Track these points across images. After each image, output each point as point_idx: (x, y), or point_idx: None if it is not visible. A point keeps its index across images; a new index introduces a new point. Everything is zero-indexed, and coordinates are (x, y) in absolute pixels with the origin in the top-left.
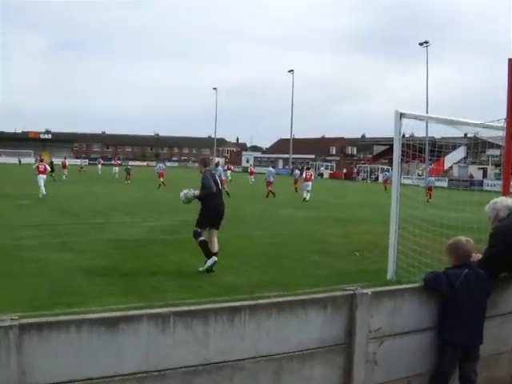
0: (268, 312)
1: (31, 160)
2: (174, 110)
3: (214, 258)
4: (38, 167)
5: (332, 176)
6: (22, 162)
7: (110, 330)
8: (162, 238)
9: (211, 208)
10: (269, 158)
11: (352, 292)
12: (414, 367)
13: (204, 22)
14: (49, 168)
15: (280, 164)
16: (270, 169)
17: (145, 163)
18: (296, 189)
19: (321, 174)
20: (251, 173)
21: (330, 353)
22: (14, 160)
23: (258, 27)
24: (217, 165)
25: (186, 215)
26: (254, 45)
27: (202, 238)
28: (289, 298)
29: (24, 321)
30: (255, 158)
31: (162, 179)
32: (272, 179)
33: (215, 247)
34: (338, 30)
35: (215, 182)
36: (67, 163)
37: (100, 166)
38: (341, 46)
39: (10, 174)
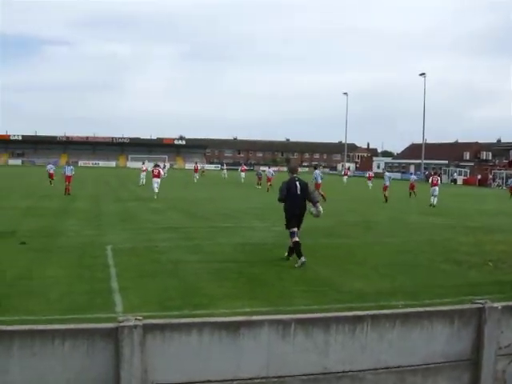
0: (391, 323)
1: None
2: (304, 115)
3: (303, 260)
4: (152, 171)
5: (465, 182)
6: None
7: (231, 335)
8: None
9: (287, 209)
10: (400, 163)
11: (481, 305)
12: None
13: (328, 23)
14: (162, 172)
15: (412, 169)
16: (388, 173)
17: (276, 168)
18: (411, 194)
19: (454, 180)
20: (369, 178)
21: (456, 369)
22: (149, 165)
23: (389, 27)
24: (315, 168)
25: (314, 221)
26: (385, 47)
27: (295, 239)
28: (413, 309)
29: (148, 321)
30: (386, 163)
31: (269, 183)
32: (388, 184)
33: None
34: (473, 31)
35: (290, 187)
36: (198, 167)
37: (225, 170)
38: (475, 47)
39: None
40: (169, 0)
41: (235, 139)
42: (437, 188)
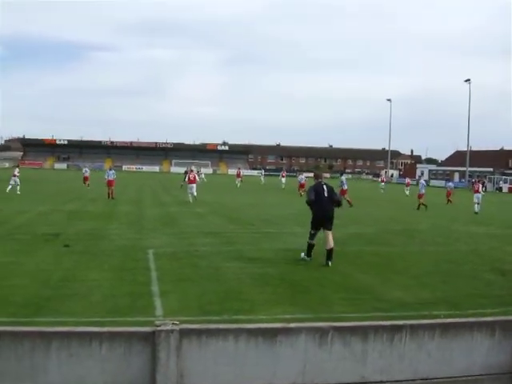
0: (430, 333)
1: (209, 170)
2: (346, 121)
3: (307, 259)
4: (188, 177)
5: (511, 190)
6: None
7: (268, 341)
8: None
9: (314, 213)
10: (444, 170)
11: None
12: None
13: (370, 28)
14: (198, 178)
15: (456, 177)
16: (422, 181)
17: (307, 174)
18: (448, 201)
19: (499, 188)
20: (407, 184)
21: (496, 381)
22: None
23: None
24: (341, 174)
25: (357, 227)
26: (427, 51)
27: (311, 241)
28: (453, 320)
29: (184, 326)
30: (430, 170)
31: (302, 189)
32: (423, 191)
33: (328, 244)
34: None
35: (318, 190)
36: (241, 173)
37: (263, 176)
38: None
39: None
40: (210, 7)
41: (278, 145)
42: (479, 195)
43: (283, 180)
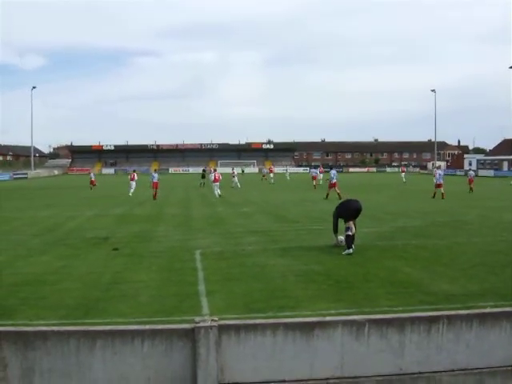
0: (468, 323)
1: (255, 170)
2: (391, 115)
3: (350, 251)
4: (214, 177)
5: None
6: (246, 171)
7: (305, 336)
8: (378, 244)
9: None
10: (492, 160)
11: None
12: None
13: (412, 20)
14: (220, 177)
15: (505, 166)
16: (438, 171)
17: (365, 169)
18: (470, 189)
19: None
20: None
21: None
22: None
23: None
24: (331, 168)
25: (404, 221)
26: (471, 40)
27: (349, 232)
28: (491, 310)
29: (223, 322)
30: (478, 160)
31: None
32: (441, 181)
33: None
34: None
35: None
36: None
37: (288, 173)
38: None
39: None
40: (249, 8)
41: (323, 141)
42: None
43: (321, 176)
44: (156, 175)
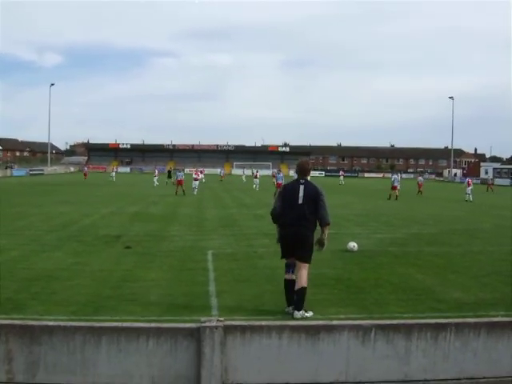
0: (476, 331)
1: (268, 172)
2: (408, 121)
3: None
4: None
5: None
6: (260, 173)
7: (311, 339)
8: (390, 250)
9: (278, 228)
10: (509, 169)
11: None
12: None
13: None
14: (200, 176)
15: None
16: (395, 176)
17: (380, 174)
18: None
19: None
20: (469, 184)
21: None
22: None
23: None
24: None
25: (419, 228)
26: (489, 48)
27: (286, 276)
28: (499, 319)
29: (228, 323)
30: (494, 168)
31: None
32: (396, 184)
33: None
34: None
35: (287, 195)
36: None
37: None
38: None
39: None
40: (265, 11)
41: (339, 145)
42: None
43: (341, 178)
44: (181, 174)
